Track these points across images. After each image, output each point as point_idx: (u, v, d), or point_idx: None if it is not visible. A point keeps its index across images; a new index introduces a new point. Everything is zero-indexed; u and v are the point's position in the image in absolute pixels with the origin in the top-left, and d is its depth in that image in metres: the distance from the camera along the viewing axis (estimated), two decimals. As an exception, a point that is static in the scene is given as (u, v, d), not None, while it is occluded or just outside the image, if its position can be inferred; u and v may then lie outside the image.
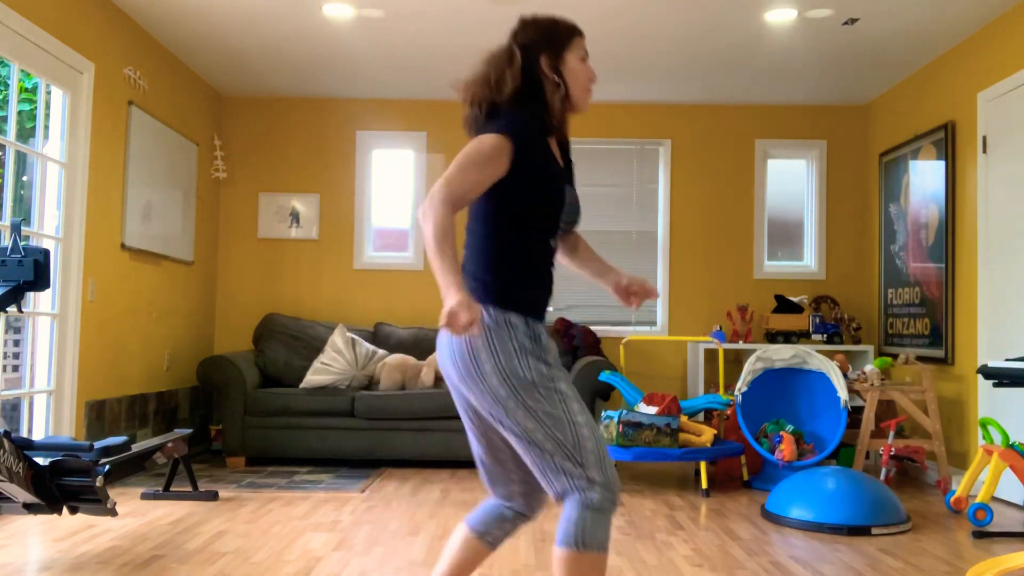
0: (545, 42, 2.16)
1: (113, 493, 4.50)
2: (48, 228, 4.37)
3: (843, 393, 4.97)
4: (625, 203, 6.62)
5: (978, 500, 3.98)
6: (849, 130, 6.63)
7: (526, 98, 2.10)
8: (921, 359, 5.55)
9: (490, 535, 2.16)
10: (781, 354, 5.20)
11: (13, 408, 4.62)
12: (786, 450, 4.88)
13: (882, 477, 4.94)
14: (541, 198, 2.04)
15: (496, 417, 2.00)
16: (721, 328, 6.44)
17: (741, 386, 5.15)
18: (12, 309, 3.21)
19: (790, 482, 4.19)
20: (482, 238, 2.06)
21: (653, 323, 6.60)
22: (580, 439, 1.95)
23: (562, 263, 2.33)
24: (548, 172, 2.05)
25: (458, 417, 5.48)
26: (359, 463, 5.65)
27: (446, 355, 2.03)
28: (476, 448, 2.16)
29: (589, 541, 1.92)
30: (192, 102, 6.05)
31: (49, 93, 4.41)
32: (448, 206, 1.92)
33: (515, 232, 2.05)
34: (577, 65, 2.15)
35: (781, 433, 4.98)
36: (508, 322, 2.00)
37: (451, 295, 1.83)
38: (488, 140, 2.00)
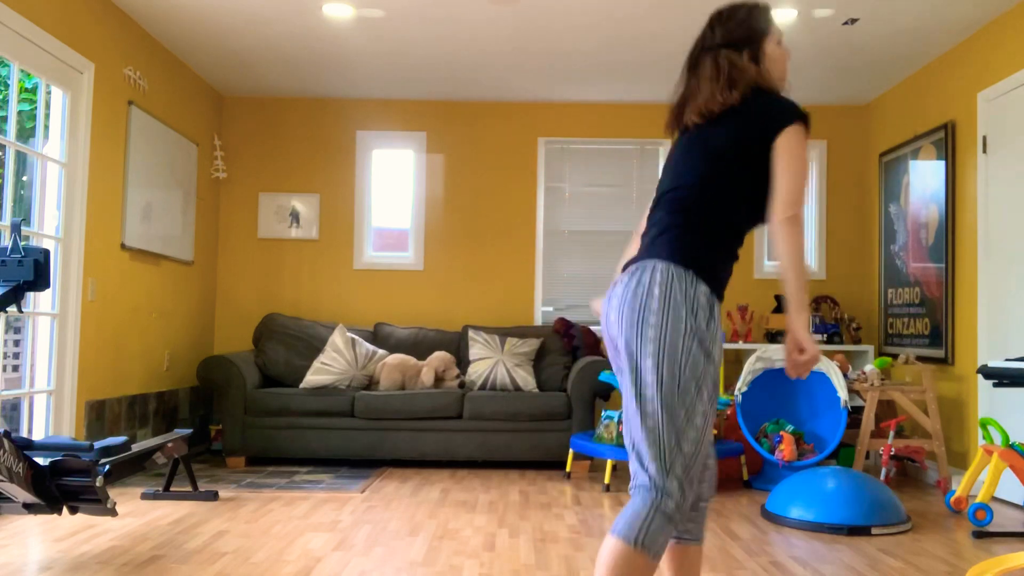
0: (746, 38, 2.23)
1: (113, 493, 4.50)
2: (48, 228, 4.37)
3: (843, 393, 4.97)
4: (625, 203, 6.62)
5: (978, 500, 3.98)
6: (849, 130, 6.63)
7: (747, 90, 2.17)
8: (921, 359, 5.55)
9: (687, 531, 2.16)
10: (781, 354, 5.20)
11: (13, 408, 4.61)
12: (786, 450, 4.88)
13: (882, 477, 4.94)
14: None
15: (630, 369, 2.01)
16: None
17: (741, 386, 5.15)
18: (12, 309, 3.21)
19: (790, 482, 4.19)
20: (708, 202, 2.09)
21: (653, 323, 6.59)
22: (681, 445, 1.94)
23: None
24: None
25: (458, 417, 5.49)
26: (359, 463, 5.65)
27: (619, 304, 2.05)
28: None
29: (649, 544, 1.91)
30: (192, 102, 6.05)
31: (49, 93, 4.41)
32: (801, 206, 2.06)
33: (733, 211, 2.10)
34: (775, 50, 2.24)
35: (781, 433, 4.98)
36: (696, 292, 2.00)
37: (805, 327, 2.00)
38: (800, 131, 2.08)
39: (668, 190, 2.16)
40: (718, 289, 2.05)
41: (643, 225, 2.21)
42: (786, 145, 2.07)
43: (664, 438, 1.94)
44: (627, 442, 2.01)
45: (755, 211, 2.12)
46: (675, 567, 2.18)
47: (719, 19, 2.27)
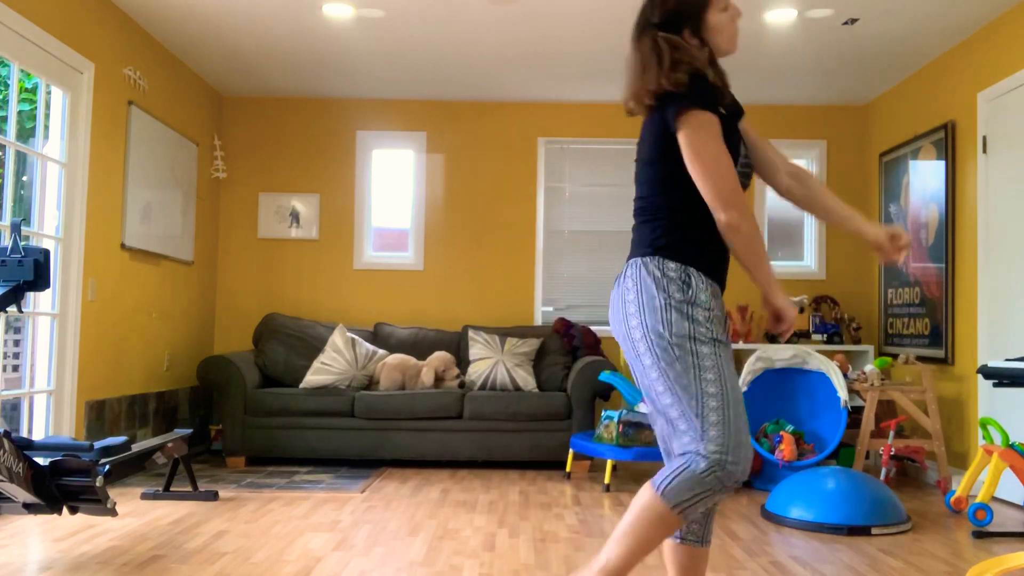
0: (683, 15, 2.13)
1: (113, 493, 4.50)
2: (48, 228, 4.37)
3: (843, 393, 4.97)
4: (625, 203, 6.62)
5: (978, 500, 3.98)
6: (849, 130, 6.63)
7: (685, 71, 2.07)
8: (921, 359, 5.55)
9: (691, 532, 2.14)
10: (781, 354, 5.20)
11: (13, 408, 4.61)
12: (786, 450, 4.87)
13: (882, 477, 4.94)
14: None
15: (638, 374, 2.07)
16: (721, 328, 6.44)
17: (741, 386, 5.15)
18: (12, 309, 3.21)
19: (790, 482, 4.19)
20: (654, 198, 2.11)
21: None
22: (704, 412, 1.95)
23: (804, 209, 2.34)
24: (725, 133, 2.05)
25: (458, 417, 5.49)
26: (359, 463, 5.65)
27: (610, 312, 2.14)
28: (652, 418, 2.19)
29: (669, 493, 1.94)
30: (192, 102, 6.05)
31: (49, 93, 4.41)
32: (736, 203, 1.97)
33: (686, 187, 2.06)
34: (719, 18, 2.13)
35: (781, 433, 4.98)
36: (663, 272, 2.03)
37: (779, 293, 2.00)
38: (698, 120, 1.99)
39: (634, 199, 2.20)
40: (695, 260, 2.04)
41: None
42: (684, 141, 2.01)
43: (690, 410, 1.96)
44: (660, 438, 2.12)
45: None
46: (678, 568, 2.17)
47: None
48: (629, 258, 2.14)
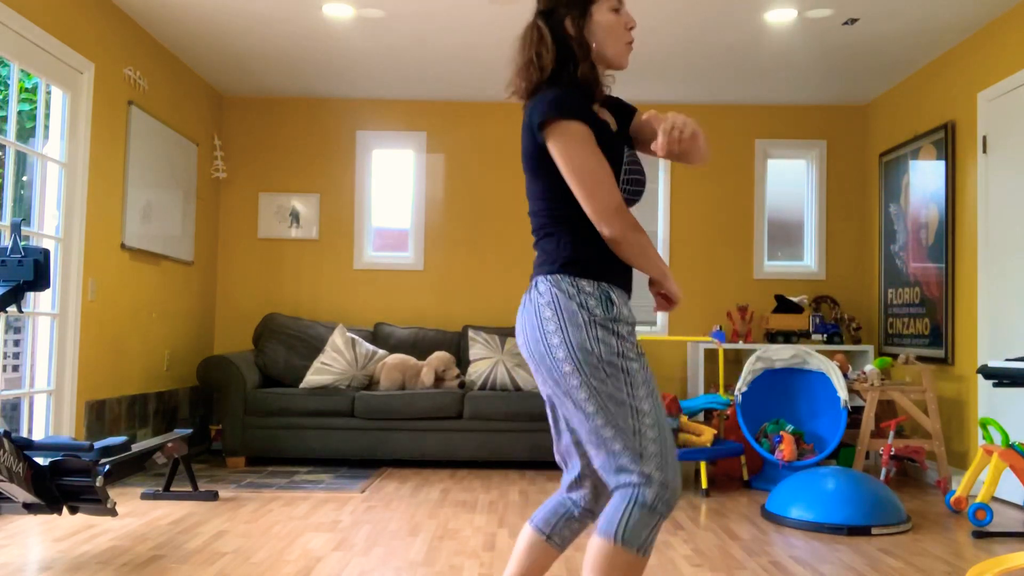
0: (565, 4, 1.97)
1: (113, 493, 4.50)
2: (48, 228, 4.36)
3: (843, 393, 4.97)
4: (625, 203, 6.61)
5: (978, 500, 3.98)
6: (849, 130, 6.63)
7: (560, 69, 1.95)
8: (921, 359, 5.55)
9: (558, 536, 2.07)
10: (781, 354, 5.20)
11: (13, 408, 4.61)
12: (786, 450, 4.87)
13: (882, 477, 4.94)
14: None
15: (558, 396, 1.91)
16: (721, 328, 6.45)
17: (741, 386, 5.15)
18: (12, 309, 3.21)
19: (790, 482, 4.19)
20: (549, 212, 1.97)
21: (653, 323, 6.60)
22: (641, 429, 1.84)
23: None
24: (603, 140, 1.93)
25: (458, 417, 5.48)
26: (359, 463, 5.65)
27: (521, 333, 1.97)
28: (552, 428, 2.09)
29: (629, 538, 1.81)
30: (192, 102, 6.05)
31: (49, 93, 4.41)
32: (618, 217, 1.87)
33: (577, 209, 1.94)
34: (607, 18, 1.97)
35: (781, 433, 4.98)
36: (579, 289, 1.91)
37: (672, 280, 1.98)
38: (568, 131, 1.87)
39: (529, 213, 2.08)
40: (608, 274, 1.95)
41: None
42: (555, 152, 1.89)
43: (623, 430, 1.84)
44: (596, 462, 1.90)
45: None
46: (526, 556, 2.07)
47: None
48: (536, 275, 1.98)
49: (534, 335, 1.93)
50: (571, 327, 1.88)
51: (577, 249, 1.94)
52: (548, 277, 1.94)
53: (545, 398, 2.05)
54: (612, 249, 1.92)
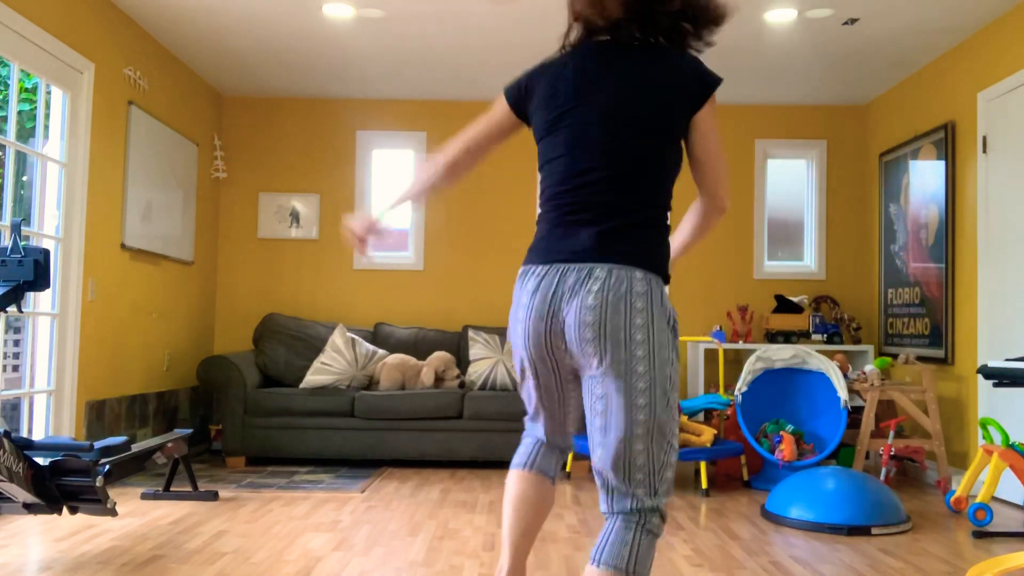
0: None
1: (113, 493, 4.50)
2: (48, 228, 4.37)
3: (843, 393, 4.97)
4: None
5: (978, 500, 3.98)
6: (849, 130, 6.63)
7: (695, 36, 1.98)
8: (921, 359, 5.55)
9: (553, 475, 2.10)
10: (781, 354, 5.20)
11: (13, 408, 4.61)
12: (786, 450, 4.88)
13: (882, 477, 4.94)
14: None
15: (616, 385, 1.81)
16: (721, 328, 6.45)
17: (741, 386, 5.15)
18: (12, 309, 3.21)
19: (790, 482, 4.19)
20: (657, 194, 1.89)
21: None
22: (668, 461, 1.81)
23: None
24: None
25: (458, 417, 5.48)
26: (359, 463, 5.65)
27: (595, 309, 1.82)
28: (540, 402, 2.04)
29: (640, 570, 1.75)
30: (192, 102, 6.05)
31: (49, 93, 4.41)
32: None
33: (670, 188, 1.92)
34: None
35: (781, 433, 4.98)
36: (665, 295, 1.86)
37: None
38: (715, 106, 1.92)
39: (625, 181, 2.04)
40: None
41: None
42: (711, 124, 1.97)
43: (655, 455, 1.79)
44: (603, 466, 1.82)
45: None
46: (535, 500, 2.06)
47: None
48: (623, 262, 1.84)
49: (615, 319, 1.80)
50: (657, 336, 1.82)
51: (666, 252, 1.91)
52: (648, 273, 1.84)
53: (557, 377, 1.97)
54: (713, 223, 1.98)
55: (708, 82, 1.89)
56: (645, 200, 1.88)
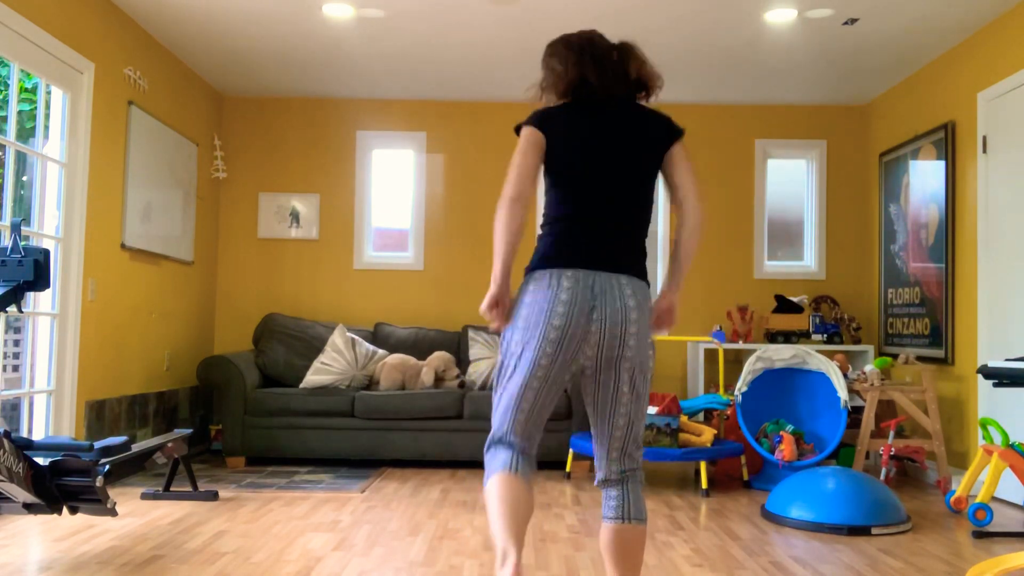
0: None
1: (113, 493, 4.50)
2: (48, 228, 4.37)
3: (843, 393, 4.97)
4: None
5: (978, 500, 3.98)
6: (849, 130, 6.63)
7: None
8: (921, 359, 5.55)
9: (530, 483, 2.35)
10: (781, 354, 5.20)
11: (13, 408, 4.62)
12: (786, 450, 4.87)
13: (882, 477, 4.94)
14: None
15: (638, 385, 2.29)
16: (721, 328, 6.45)
17: (741, 386, 5.15)
18: (12, 309, 3.21)
19: (790, 482, 4.19)
20: (647, 220, 2.40)
21: (653, 323, 6.59)
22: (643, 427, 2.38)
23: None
24: None
25: (458, 417, 5.48)
26: (359, 463, 5.65)
27: (638, 321, 2.27)
28: (534, 400, 2.30)
29: (647, 515, 2.35)
30: (192, 102, 6.05)
31: (49, 93, 4.41)
32: None
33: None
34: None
35: (781, 433, 4.98)
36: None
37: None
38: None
39: (630, 206, 2.46)
40: None
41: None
42: (685, 157, 2.45)
43: (641, 431, 2.37)
44: (625, 444, 2.33)
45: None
46: (522, 502, 2.26)
47: None
48: (638, 276, 2.32)
49: (643, 320, 2.28)
50: (648, 337, 2.32)
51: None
52: (644, 285, 2.33)
53: (566, 372, 2.29)
54: (698, 232, 2.32)
55: (675, 133, 2.40)
56: (643, 224, 2.38)
